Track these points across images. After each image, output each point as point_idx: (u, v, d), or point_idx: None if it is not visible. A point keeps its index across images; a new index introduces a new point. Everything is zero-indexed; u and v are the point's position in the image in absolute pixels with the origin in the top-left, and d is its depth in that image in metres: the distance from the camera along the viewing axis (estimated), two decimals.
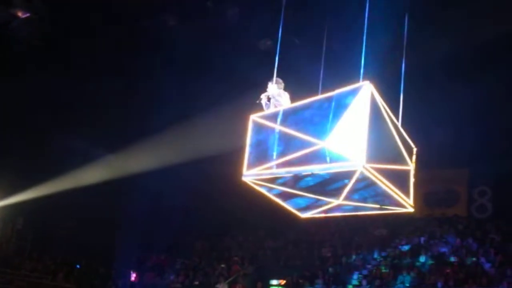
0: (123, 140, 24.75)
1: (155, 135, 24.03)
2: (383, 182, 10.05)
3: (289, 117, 10.28)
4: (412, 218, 25.16)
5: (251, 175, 10.42)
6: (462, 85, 20.88)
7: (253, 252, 27.77)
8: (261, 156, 10.28)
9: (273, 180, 10.57)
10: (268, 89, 11.91)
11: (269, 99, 11.80)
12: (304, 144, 9.81)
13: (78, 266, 27.76)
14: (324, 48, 13.94)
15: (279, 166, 10.04)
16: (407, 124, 11.70)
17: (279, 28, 12.96)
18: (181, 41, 20.48)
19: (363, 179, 9.93)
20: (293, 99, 11.62)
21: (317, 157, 9.63)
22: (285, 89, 12.09)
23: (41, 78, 21.63)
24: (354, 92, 9.77)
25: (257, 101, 11.72)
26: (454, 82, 20.91)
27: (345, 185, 10.45)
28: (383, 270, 23.87)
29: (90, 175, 25.17)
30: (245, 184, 10.94)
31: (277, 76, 12.08)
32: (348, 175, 9.87)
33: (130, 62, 21.71)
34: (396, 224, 25.99)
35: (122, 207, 27.11)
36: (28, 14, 19.93)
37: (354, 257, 25.22)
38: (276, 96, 11.77)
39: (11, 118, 23.37)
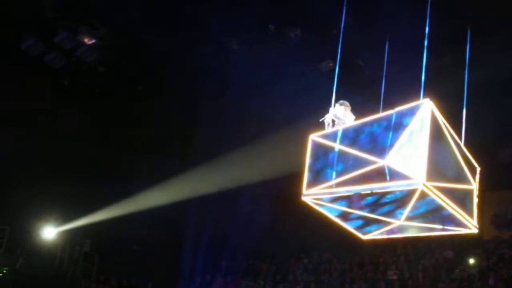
0: (189, 163, 24.98)
1: (221, 158, 24.21)
2: (444, 201, 9.88)
3: (348, 135, 10.25)
4: (480, 240, 24.62)
5: (311, 195, 10.39)
6: None
7: (318, 275, 27.57)
8: (320, 175, 10.27)
9: (333, 200, 10.53)
10: (333, 110, 11.90)
11: (333, 121, 11.77)
12: (364, 163, 9.75)
13: None
14: (385, 69, 13.90)
15: (338, 185, 10.00)
16: (472, 143, 11.53)
17: (339, 49, 13.02)
18: (242, 64, 20.65)
19: (424, 198, 9.79)
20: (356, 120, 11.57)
21: (377, 175, 9.56)
22: (352, 111, 12.06)
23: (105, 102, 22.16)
24: (414, 110, 9.68)
25: (320, 120, 11.69)
26: None
27: (407, 205, 10.33)
28: None
29: (155, 197, 25.45)
30: (308, 205, 10.93)
31: (340, 97, 12.09)
32: (409, 194, 9.76)
33: (191, 86, 22.01)
34: (464, 246, 25.47)
35: (188, 229, 27.30)
36: (94, 41, 20.44)
37: (420, 280, 24.83)
38: (341, 117, 11.73)
39: (78, 143, 23.87)
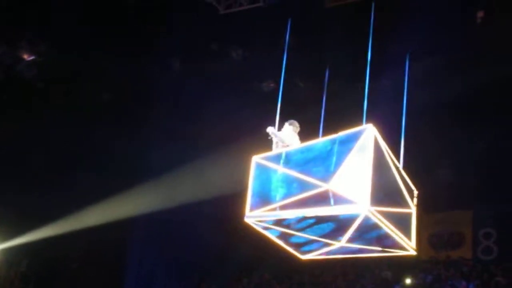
0: (127, 182, 24.74)
1: (159, 176, 24.06)
2: (386, 226, 10.03)
3: (292, 158, 10.28)
4: (417, 261, 24.96)
5: (253, 217, 10.39)
6: (465, 126, 20.95)
7: None
8: (263, 197, 10.28)
9: (276, 223, 10.54)
10: (283, 129, 11.93)
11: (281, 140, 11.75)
12: (308, 186, 9.81)
13: None
14: (325, 91, 14.04)
15: (282, 208, 10.03)
16: (410, 167, 11.71)
17: (281, 70, 13.11)
18: (183, 84, 20.63)
19: (367, 221, 9.89)
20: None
21: (321, 199, 9.62)
22: (299, 133, 12.10)
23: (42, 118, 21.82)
24: (357, 135, 9.80)
25: (269, 138, 11.67)
26: (457, 124, 20.96)
27: (348, 228, 10.42)
28: None
29: (94, 216, 25.11)
30: (248, 226, 10.93)
31: (281, 118, 12.14)
32: (351, 217, 9.85)
33: (133, 107, 21.90)
34: (401, 266, 25.79)
35: (127, 248, 27.03)
36: (33, 57, 20.14)
37: None
38: (287, 138, 11.72)
39: (12, 159, 23.42)
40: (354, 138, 9.77)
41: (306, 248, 11.93)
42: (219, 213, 25.36)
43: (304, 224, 10.49)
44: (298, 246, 11.82)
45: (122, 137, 23.58)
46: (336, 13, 16.75)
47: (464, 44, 17.40)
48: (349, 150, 9.66)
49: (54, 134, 22.67)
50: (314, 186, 9.71)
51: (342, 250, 11.77)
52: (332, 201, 9.49)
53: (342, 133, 9.96)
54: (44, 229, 24.70)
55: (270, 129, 11.45)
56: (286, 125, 11.95)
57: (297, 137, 11.86)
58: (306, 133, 11.49)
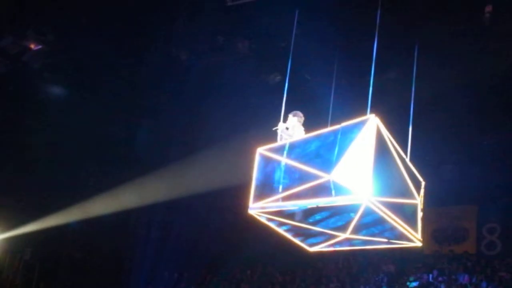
0: (131, 173, 24.79)
1: (163, 167, 24.10)
2: (389, 216, 10.03)
3: (295, 150, 10.33)
4: (420, 255, 25.01)
5: (257, 208, 10.43)
6: (472, 121, 20.89)
7: (261, 286, 27.60)
8: (267, 189, 10.33)
9: (280, 214, 10.58)
10: (288, 120, 11.94)
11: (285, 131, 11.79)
12: (310, 177, 9.84)
13: None
14: (333, 83, 14.05)
15: (285, 199, 10.05)
16: (416, 160, 11.71)
17: (288, 62, 13.13)
18: (188, 76, 20.61)
19: (370, 212, 9.91)
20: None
21: (323, 190, 9.64)
22: (303, 124, 12.11)
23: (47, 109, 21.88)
24: (359, 126, 9.82)
25: (274, 129, 11.71)
26: (464, 119, 20.89)
27: (352, 219, 10.44)
28: None
29: (98, 206, 25.19)
30: (254, 218, 10.98)
31: (287, 110, 12.16)
32: (354, 208, 9.86)
33: (137, 98, 21.93)
34: (404, 260, 25.80)
35: (129, 239, 27.10)
36: (40, 47, 20.12)
37: None
38: (292, 128, 11.77)
39: (17, 149, 23.48)
40: (356, 128, 9.79)
41: (312, 240, 11.98)
42: (225, 205, 25.42)
43: (309, 216, 10.53)
44: (304, 238, 11.86)
45: (127, 129, 23.64)
46: (344, 4, 16.66)
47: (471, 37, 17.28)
48: (351, 140, 9.70)
49: (59, 124, 22.71)
50: (316, 177, 9.75)
51: (348, 243, 11.81)
52: (333, 192, 9.51)
53: (345, 124, 9.98)
54: (49, 219, 24.81)
55: (279, 126, 11.55)
56: (290, 116, 11.96)
57: (301, 128, 11.87)
58: (315, 125, 11.44)
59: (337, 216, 10.42)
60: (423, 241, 11.64)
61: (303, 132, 11.73)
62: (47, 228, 24.82)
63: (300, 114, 12.04)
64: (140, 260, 26.93)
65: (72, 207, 24.94)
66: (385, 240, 11.40)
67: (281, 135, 11.59)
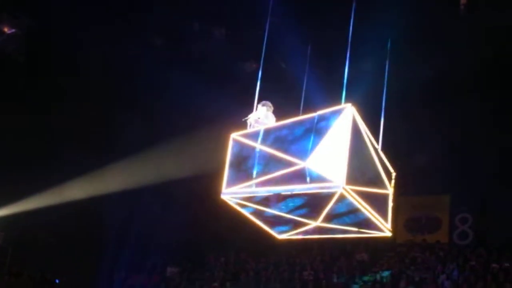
0: (105, 158, 24.72)
1: (136, 154, 24.10)
2: (361, 205, 10.10)
3: (270, 136, 10.32)
4: (393, 244, 25.20)
5: (230, 193, 10.44)
6: (444, 110, 21.09)
7: (235, 273, 27.64)
8: (240, 174, 10.32)
9: (252, 200, 10.59)
10: (257, 111, 11.97)
11: (256, 121, 11.83)
12: (285, 164, 9.86)
13: (57, 281, 27.61)
14: (306, 72, 14.09)
15: (258, 185, 10.08)
16: (388, 149, 11.79)
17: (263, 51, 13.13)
18: (163, 63, 20.57)
19: (342, 201, 9.96)
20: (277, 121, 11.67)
21: (297, 177, 9.68)
22: (273, 112, 12.15)
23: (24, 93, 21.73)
24: (336, 114, 9.86)
25: (243, 119, 11.75)
26: (436, 107, 21.09)
27: (324, 207, 10.48)
28: None
29: (70, 192, 25.11)
30: (227, 204, 10.98)
31: (262, 97, 12.19)
32: (327, 196, 9.91)
33: (112, 84, 21.85)
34: (377, 249, 25.98)
35: (101, 223, 27.06)
36: (14, 30, 19.97)
37: (335, 281, 25.16)
38: (263, 118, 11.82)
39: None
40: (332, 117, 9.82)
41: (282, 228, 11.99)
42: (196, 191, 25.40)
43: (281, 203, 10.55)
44: (273, 225, 11.87)
45: (101, 115, 23.53)
46: None
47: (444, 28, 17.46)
48: (327, 128, 9.73)
49: (33, 109, 22.57)
50: (291, 164, 9.78)
51: (318, 231, 11.83)
52: (308, 179, 9.55)
53: (320, 112, 10.00)
54: (21, 203, 24.68)
55: (250, 116, 11.61)
56: (259, 106, 12.00)
57: (271, 116, 11.92)
58: (289, 113, 11.46)
59: (309, 204, 10.43)
60: (396, 230, 11.74)
61: (274, 121, 11.76)
62: (19, 212, 24.70)
63: (269, 103, 12.11)
64: (111, 245, 26.91)
65: (44, 191, 24.82)
66: (355, 229, 11.47)
67: (251, 124, 11.62)
